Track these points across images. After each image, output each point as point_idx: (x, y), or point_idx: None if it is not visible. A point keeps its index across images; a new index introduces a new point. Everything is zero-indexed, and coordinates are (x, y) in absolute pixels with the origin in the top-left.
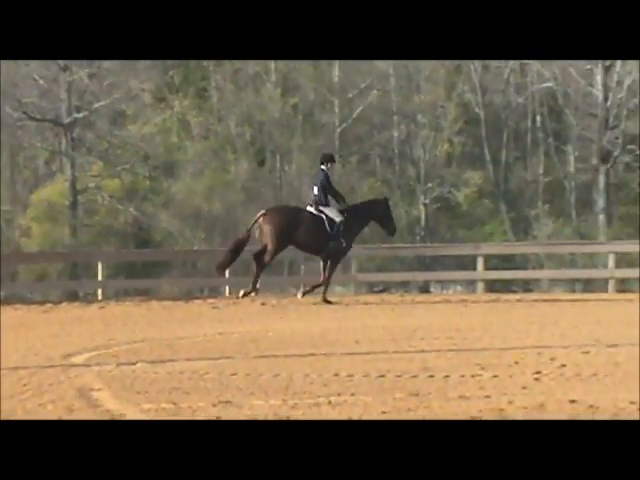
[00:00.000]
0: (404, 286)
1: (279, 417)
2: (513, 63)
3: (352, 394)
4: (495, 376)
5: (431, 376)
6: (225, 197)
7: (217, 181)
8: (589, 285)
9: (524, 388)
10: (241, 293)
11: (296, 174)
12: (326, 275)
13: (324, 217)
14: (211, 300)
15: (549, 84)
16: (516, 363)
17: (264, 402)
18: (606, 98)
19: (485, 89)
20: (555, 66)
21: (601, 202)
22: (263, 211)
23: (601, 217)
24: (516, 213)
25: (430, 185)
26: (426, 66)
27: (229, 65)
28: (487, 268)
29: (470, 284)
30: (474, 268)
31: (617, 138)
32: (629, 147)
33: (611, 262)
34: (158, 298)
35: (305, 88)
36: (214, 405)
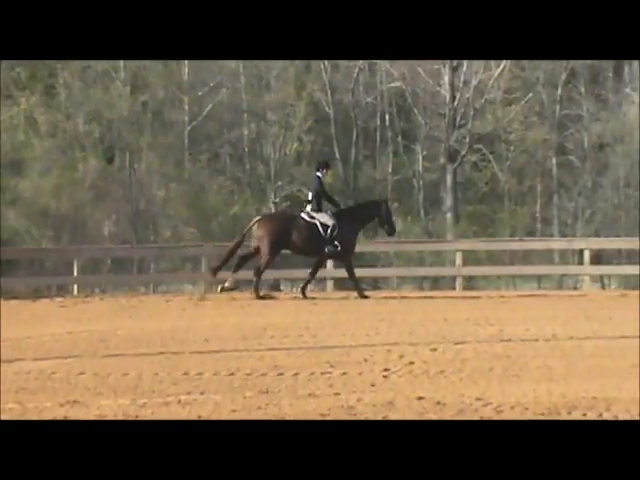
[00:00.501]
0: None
1: (128, 417)
2: (362, 62)
3: (202, 393)
4: (344, 373)
5: (281, 374)
6: (73, 195)
7: (65, 179)
8: (437, 283)
9: (373, 385)
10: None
11: (146, 172)
12: (351, 279)
13: (317, 223)
14: (59, 299)
15: (398, 84)
16: (365, 360)
17: (113, 402)
18: (453, 98)
19: (335, 88)
20: (403, 66)
21: (448, 201)
22: (258, 217)
23: (448, 215)
24: None
25: (280, 183)
26: (276, 65)
27: (77, 62)
28: (337, 266)
29: (320, 282)
30: (324, 266)
31: (464, 137)
32: (476, 146)
33: (458, 260)
34: (5, 297)
35: (154, 86)
36: (62, 405)
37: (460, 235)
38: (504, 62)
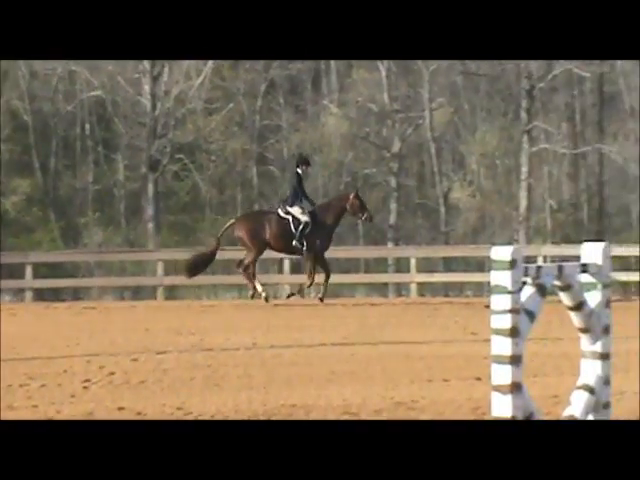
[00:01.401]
0: None
1: None
2: (61, 70)
3: None
4: (43, 385)
5: None
6: None
7: None
8: (138, 293)
9: (73, 396)
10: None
11: None
12: (309, 274)
13: (290, 218)
14: None
15: (98, 92)
16: (65, 372)
17: None
18: (154, 107)
19: (33, 96)
20: (104, 74)
21: (150, 210)
22: (232, 220)
23: (150, 225)
24: (66, 221)
25: None
26: None
27: None
28: (36, 277)
29: (19, 293)
30: (22, 277)
31: (165, 147)
32: (177, 156)
33: (160, 269)
34: None
35: None
36: None
37: (162, 245)
38: (205, 72)
